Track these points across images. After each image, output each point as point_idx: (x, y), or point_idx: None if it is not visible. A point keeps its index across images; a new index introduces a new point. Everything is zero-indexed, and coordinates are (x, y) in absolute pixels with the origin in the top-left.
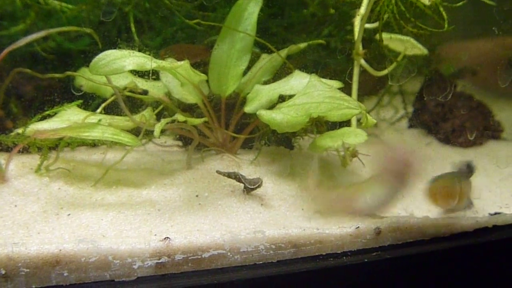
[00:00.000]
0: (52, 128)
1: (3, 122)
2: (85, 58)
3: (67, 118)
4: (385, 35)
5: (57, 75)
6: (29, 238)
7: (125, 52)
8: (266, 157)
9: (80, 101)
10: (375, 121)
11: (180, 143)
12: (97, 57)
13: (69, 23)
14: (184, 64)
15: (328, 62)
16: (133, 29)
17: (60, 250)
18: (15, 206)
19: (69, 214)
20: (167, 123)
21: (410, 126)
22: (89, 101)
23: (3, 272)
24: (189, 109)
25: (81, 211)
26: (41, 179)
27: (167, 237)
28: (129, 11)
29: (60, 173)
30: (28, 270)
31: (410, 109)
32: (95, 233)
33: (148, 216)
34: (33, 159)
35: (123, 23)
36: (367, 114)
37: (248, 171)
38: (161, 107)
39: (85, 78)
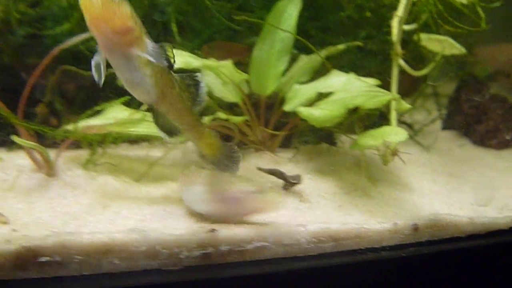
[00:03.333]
0: (100, 124)
1: (47, 119)
2: None
3: (112, 115)
4: (423, 36)
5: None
6: (81, 228)
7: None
8: (305, 155)
9: (127, 98)
10: (409, 106)
11: None
12: None
13: None
14: (228, 64)
15: (365, 64)
16: (174, 29)
17: (112, 239)
18: (64, 198)
19: (116, 207)
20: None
21: (444, 128)
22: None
23: (58, 259)
24: (228, 107)
25: (128, 204)
26: (88, 173)
27: (213, 229)
28: (171, 12)
29: (105, 167)
30: (81, 257)
31: (444, 111)
32: (142, 224)
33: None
34: (80, 154)
35: (161, 23)
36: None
37: (287, 169)
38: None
39: None
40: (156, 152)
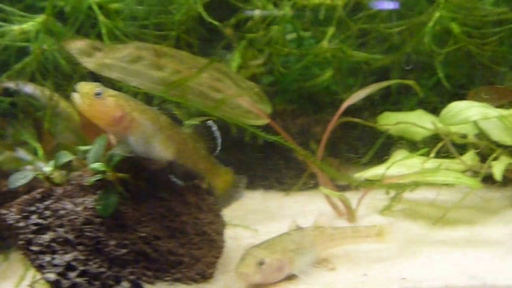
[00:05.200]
0: (399, 174)
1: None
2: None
3: (402, 163)
4: None
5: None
6: (399, 273)
7: (467, 103)
8: None
9: (426, 149)
10: None
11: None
12: (445, 109)
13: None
14: None
15: None
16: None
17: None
18: (369, 244)
19: (425, 251)
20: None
21: None
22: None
23: None
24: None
25: (436, 249)
26: (386, 218)
27: None
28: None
29: (400, 213)
30: None
31: None
32: (462, 269)
33: (501, 253)
34: (373, 200)
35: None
36: None
37: None
38: (498, 152)
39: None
40: (443, 196)
